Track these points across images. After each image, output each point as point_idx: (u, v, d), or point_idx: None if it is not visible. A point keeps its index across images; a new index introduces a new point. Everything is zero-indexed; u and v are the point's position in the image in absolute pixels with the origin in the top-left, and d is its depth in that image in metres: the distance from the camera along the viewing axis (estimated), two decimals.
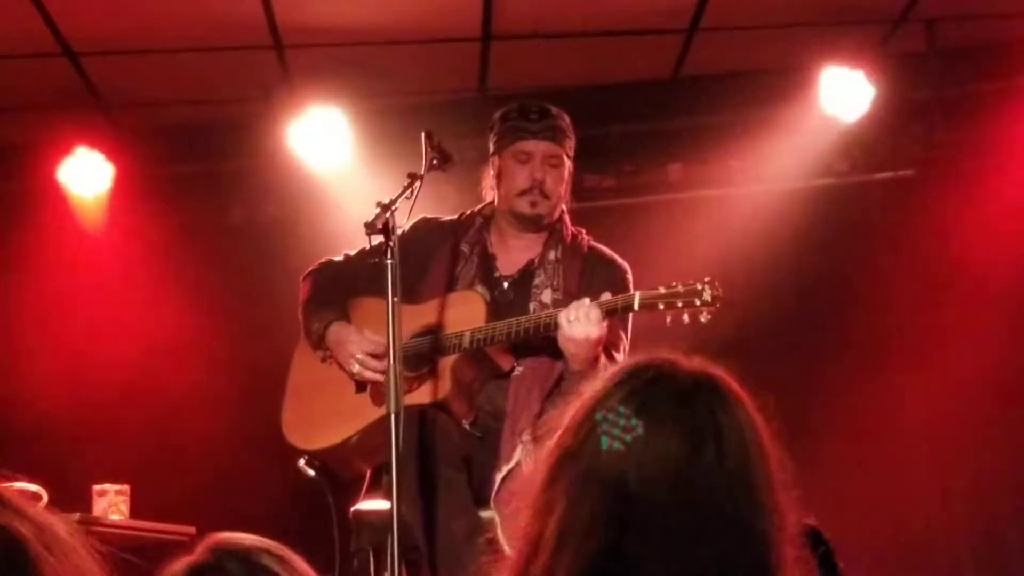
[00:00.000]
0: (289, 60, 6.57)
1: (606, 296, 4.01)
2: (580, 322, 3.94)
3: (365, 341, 4.24)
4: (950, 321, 6.35)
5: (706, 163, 6.77)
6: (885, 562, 5.75)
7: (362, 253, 4.35)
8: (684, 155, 6.82)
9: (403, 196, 3.97)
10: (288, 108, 6.58)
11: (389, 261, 3.83)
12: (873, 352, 6.39)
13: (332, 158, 6.61)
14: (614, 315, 4.03)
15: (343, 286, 4.41)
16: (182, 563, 1.86)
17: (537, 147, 4.35)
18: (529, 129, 4.36)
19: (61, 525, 1.18)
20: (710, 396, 1.69)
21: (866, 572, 5.00)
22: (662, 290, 3.92)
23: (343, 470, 4.37)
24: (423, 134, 4.17)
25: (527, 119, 4.37)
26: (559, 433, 1.74)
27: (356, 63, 6.51)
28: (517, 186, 4.35)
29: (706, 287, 3.85)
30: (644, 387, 1.71)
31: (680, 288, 3.89)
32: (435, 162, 4.14)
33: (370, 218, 3.87)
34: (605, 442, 1.66)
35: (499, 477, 4.08)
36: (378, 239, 3.83)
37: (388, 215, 3.87)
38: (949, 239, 6.35)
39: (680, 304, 3.87)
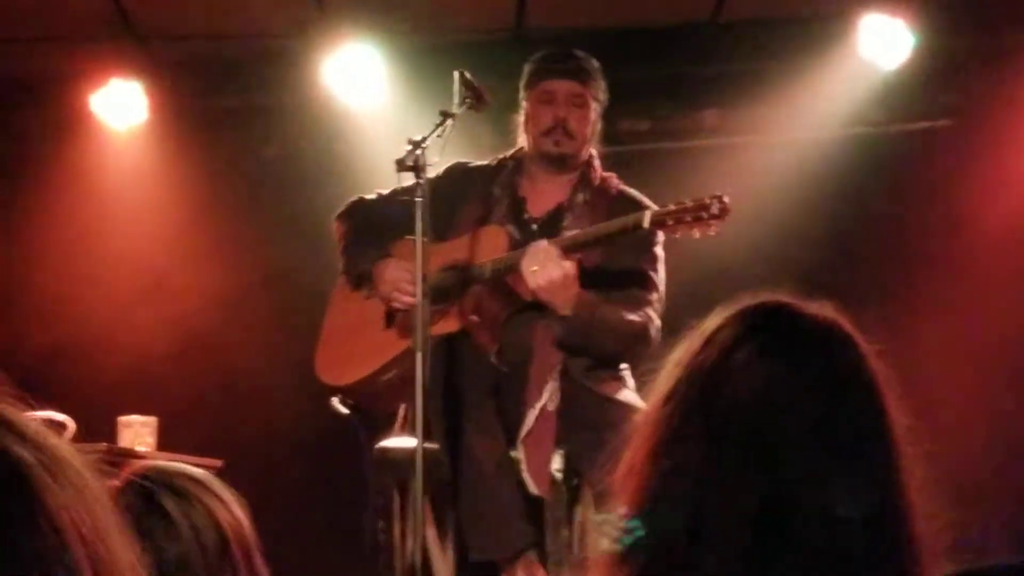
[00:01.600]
0: None
1: (573, 231, 4.08)
2: (541, 268, 3.98)
3: (400, 271, 4.27)
4: (985, 272, 6.29)
5: (742, 110, 6.71)
6: None
7: (394, 192, 4.37)
8: (720, 101, 6.76)
9: (434, 134, 4.00)
10: (324, 43, 6.54)
11: (418, 199, 3.86)
12: (904, 302, 6.34)
13: (367, 95, 6.58)
14: (625, 235, 4.05)
15: (379, 226, 4.43)
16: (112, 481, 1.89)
17: (560, 86, 4.38)
18: (551, 69, 4.43)
19: (65, 447, 1.13)
20: (843, 341, 1.62)
21: None
22: (672, 207, 3.94)
23: (374, 406, 4.40)
24: (456, 74, 4.19)
25: (551, 61, 4.46)
26: (672, 381, 1.60)
27: None
28: (541, 126, 4.39)
29: (714, 201, 3.88)
30: (775, 330, 1.61)
31: (689, 203, 3.92)
32: (468, 102, 4.16)
33: (401, 155, 3.90)
34: (739, 389, 1.55)
35: (532, 415, 4.11)
36: (408, 176, 3.87)
37: (419, 152, 3.90)
38: (986, 190, 6.30)
39: (689, 219, 3.89)
